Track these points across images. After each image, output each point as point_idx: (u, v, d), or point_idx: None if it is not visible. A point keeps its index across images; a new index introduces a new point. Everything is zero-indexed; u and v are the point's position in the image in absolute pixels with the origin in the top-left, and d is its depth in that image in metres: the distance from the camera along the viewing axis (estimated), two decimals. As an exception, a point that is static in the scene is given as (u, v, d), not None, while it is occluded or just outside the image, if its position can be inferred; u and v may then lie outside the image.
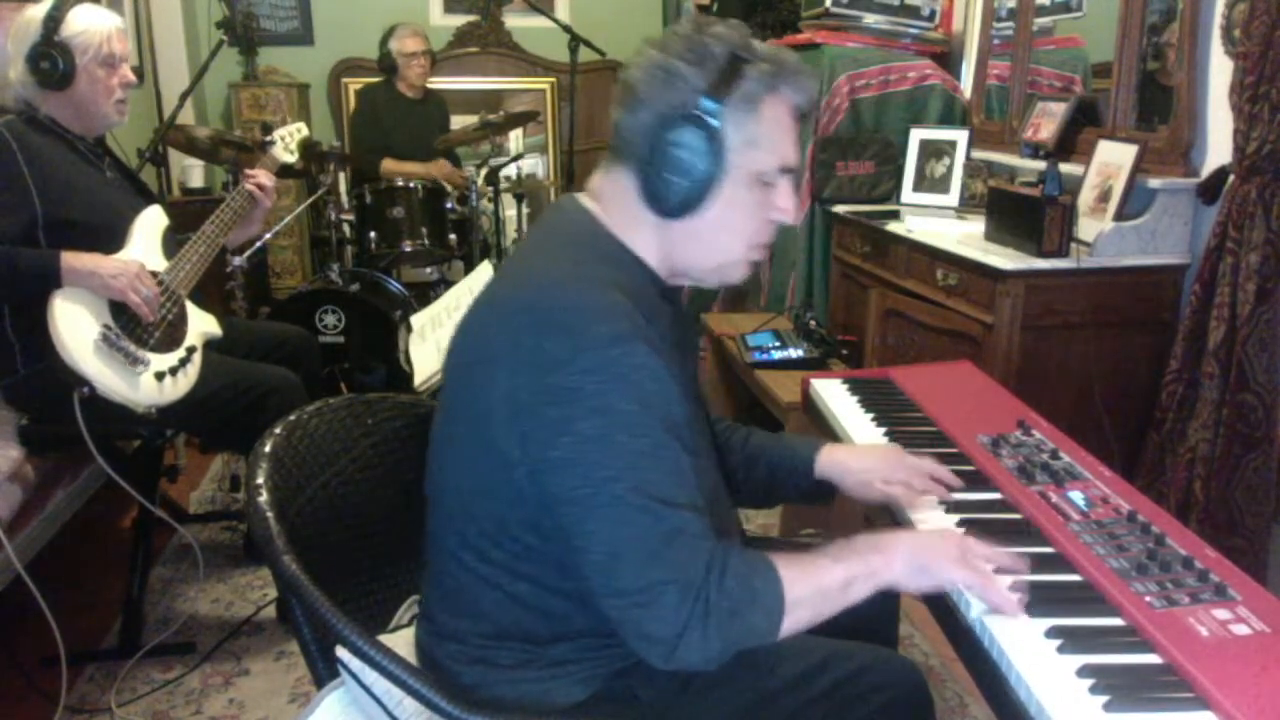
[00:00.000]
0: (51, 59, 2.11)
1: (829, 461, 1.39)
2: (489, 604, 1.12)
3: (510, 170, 4.47)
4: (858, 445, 1.56)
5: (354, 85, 5.08)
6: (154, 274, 2.17)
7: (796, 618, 1.04)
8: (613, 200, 1.15)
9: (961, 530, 1.23)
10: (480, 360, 1.07)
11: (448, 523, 1.15)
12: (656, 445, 1.01)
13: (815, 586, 1.05)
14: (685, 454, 1.04)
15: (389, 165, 4.22)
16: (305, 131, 2.87)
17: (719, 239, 1.14)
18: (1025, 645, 1.01)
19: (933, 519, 1.29)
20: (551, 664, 1.12)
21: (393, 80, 4.39)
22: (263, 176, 2.50)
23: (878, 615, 1.42)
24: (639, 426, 1.00)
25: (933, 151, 3.19)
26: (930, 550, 1.11)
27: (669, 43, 1.10)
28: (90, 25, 2.16)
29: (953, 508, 1.31)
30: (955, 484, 1.34)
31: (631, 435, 1.00)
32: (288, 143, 2.77)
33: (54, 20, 2.11)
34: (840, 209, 3.29)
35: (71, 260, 2.02)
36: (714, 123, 1.07)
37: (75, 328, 2.02)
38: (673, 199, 1.09)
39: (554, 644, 1.12)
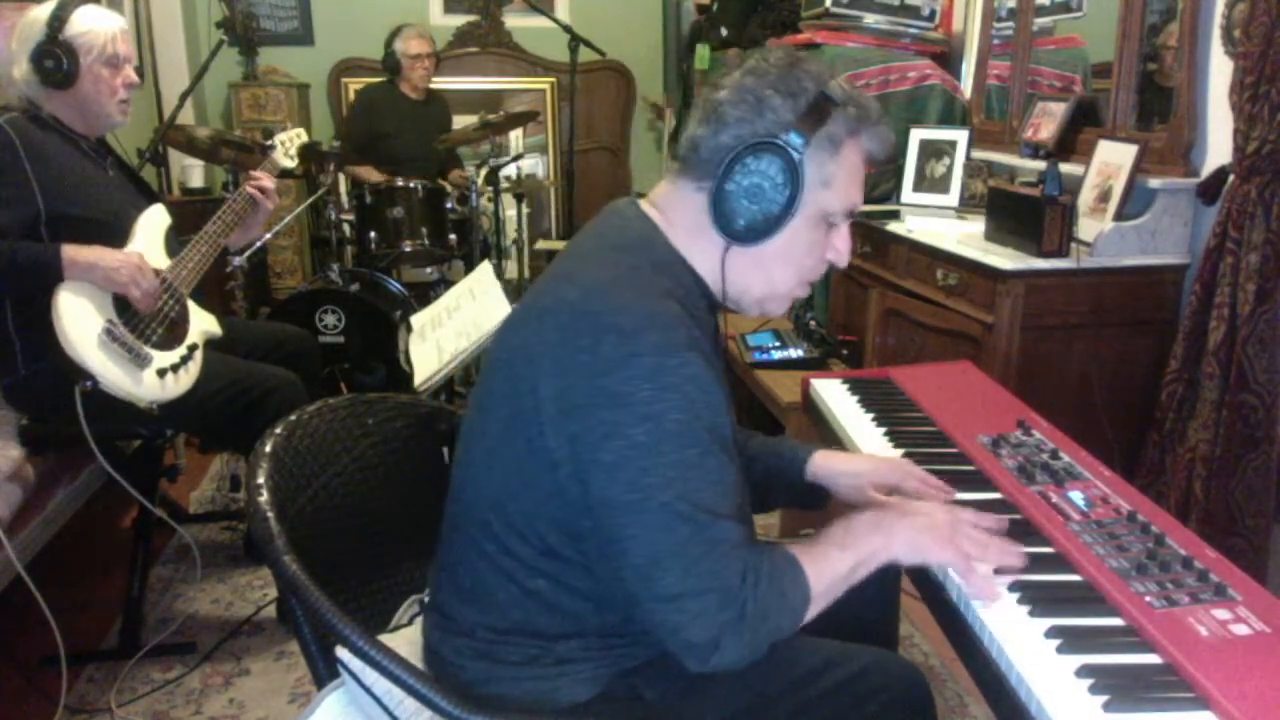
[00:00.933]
0: (55, 58, 2.12)
1: (822, 466, 1.40)
2: (504, 597, 1.13)
3: (510, 170, 4.47)
4: (851, 453, 1.57)
5: (354, 85, 5.09)
6: (156, 271, 2.17)
7: (814, 610, 1.08)
8: (677, 213, 1.16)
9: (960, 508, 1.22)
10: (528, 357, 1.07)
11: (473, 513, 1.15)
12: (703, 455, 1.02)
13: (830, 579, 1.09)
14: (730, 463, 1.06)
15: (353, 170, 4.20)
16: (305, 137, 2.90)
17: (775, 271, 1.16)
18: (1025, 645, 1.01)
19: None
20: (558, 661, 1.12)
21: (395, 81, 4.39)
22: (265, 179, 2.50)
23: (878, 616, 1.43)
24: (687, 436, 1.01)
25: (933, 151, 3.19)
26: (924, 529, 1.14)
27: (762, 70, 1.11)
28: (94, 25, 2.17)
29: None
30: (948, 493, 1.35)
31: (680, 444, 1.01)
32: (288, 148, 2.79)
33: (59, 20, 2.12)
34: (840, 209, 3.28)
35: (73, 253, 2.02)
36: (797, 157, 1.08)
37: (79, 322, 2.02)
38: (742, 223, 1.10)
39: (562, 641, 1.12)
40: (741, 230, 1.11)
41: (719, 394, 1.06)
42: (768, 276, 1.16)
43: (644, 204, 1.19)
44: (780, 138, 1.08)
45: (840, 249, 1.18)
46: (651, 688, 1.13)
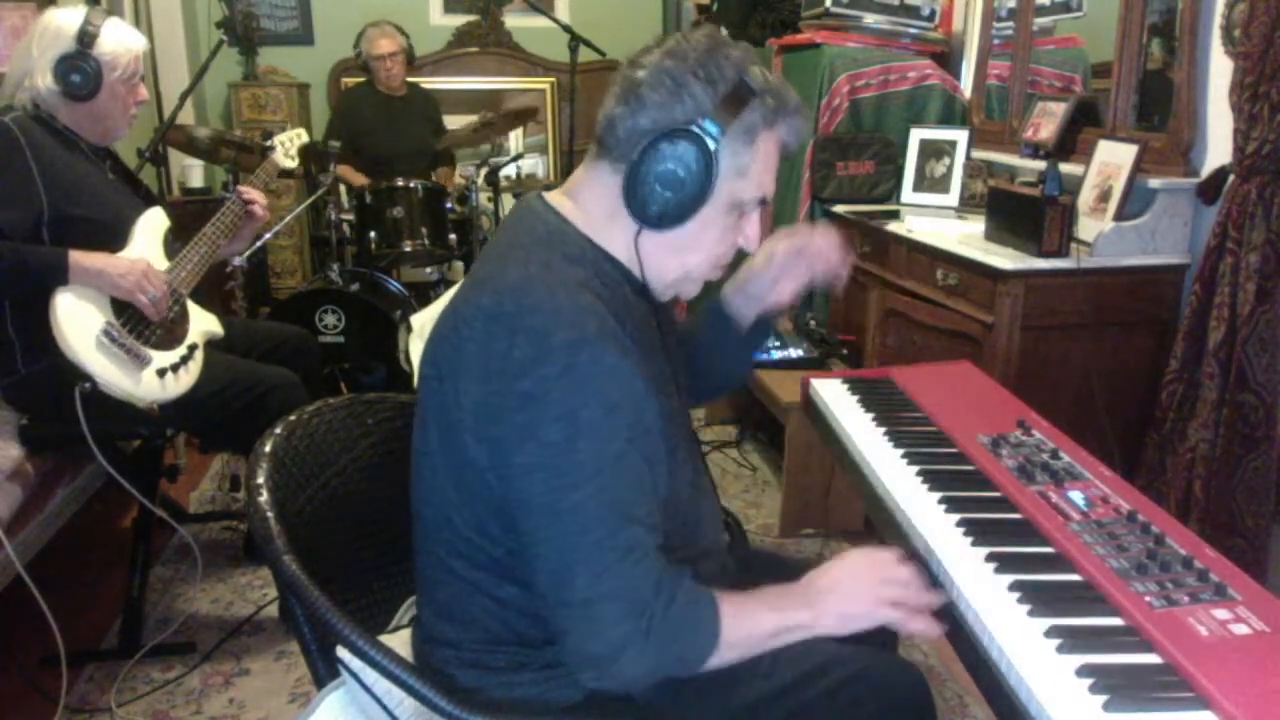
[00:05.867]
0: (84, 73, 2.12)
1: (731, 290, 1.40)
2: (479, 610, 1.12)
3: (510, 170, 4.47)
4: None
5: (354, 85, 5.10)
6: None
7: (723, 657, 1.06)
8: (591, 196, 1.15)
9: (878, 554, 1.19)
10: (452, 369, 1.07)
11: (433, 533, 1.15)
12: (620, 454, 1.01)
13: (747, 632, 1.08)
14: (646, 464, 1.04)
15: (342, 170, 4.07)
16: (305, 137, 2.94)
17: (686, 256, 1.15)
18: (1025, 645, 1.01)
19: (932, 519, 1.29)
20: (546, 665, 1.12)
21: (373, 81, 4.39)
22: (255, 195, 2.50)
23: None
24: (604, 433, 1.00)
25: (933, 151, 3.19)
26: (852, 599, 1.13)
27: (683, 52, 1.09)
28: (123, 44, 2.18)
29: (953, 507, 1.31)
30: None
31: (595, 441, 1.00)
32: (288, 148, 2.81)
33: (89, 35, 2.12)
34: (840, 209, 3.29)
35: (80, 258, 2.03)
36: (713, 146, 1.07)
37: (77, 324, 2.03)
38: (655, 209, 1.09)
39: (548, 646, 1.12)
40: (655, 216, 1.09)
41: (639, 383, 1.04)
42: (681, 261, 1.15)
43: (552, 196, 1.18)
44: (698, 126, 1.07)
45: (750, 235, 1.18)
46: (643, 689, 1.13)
